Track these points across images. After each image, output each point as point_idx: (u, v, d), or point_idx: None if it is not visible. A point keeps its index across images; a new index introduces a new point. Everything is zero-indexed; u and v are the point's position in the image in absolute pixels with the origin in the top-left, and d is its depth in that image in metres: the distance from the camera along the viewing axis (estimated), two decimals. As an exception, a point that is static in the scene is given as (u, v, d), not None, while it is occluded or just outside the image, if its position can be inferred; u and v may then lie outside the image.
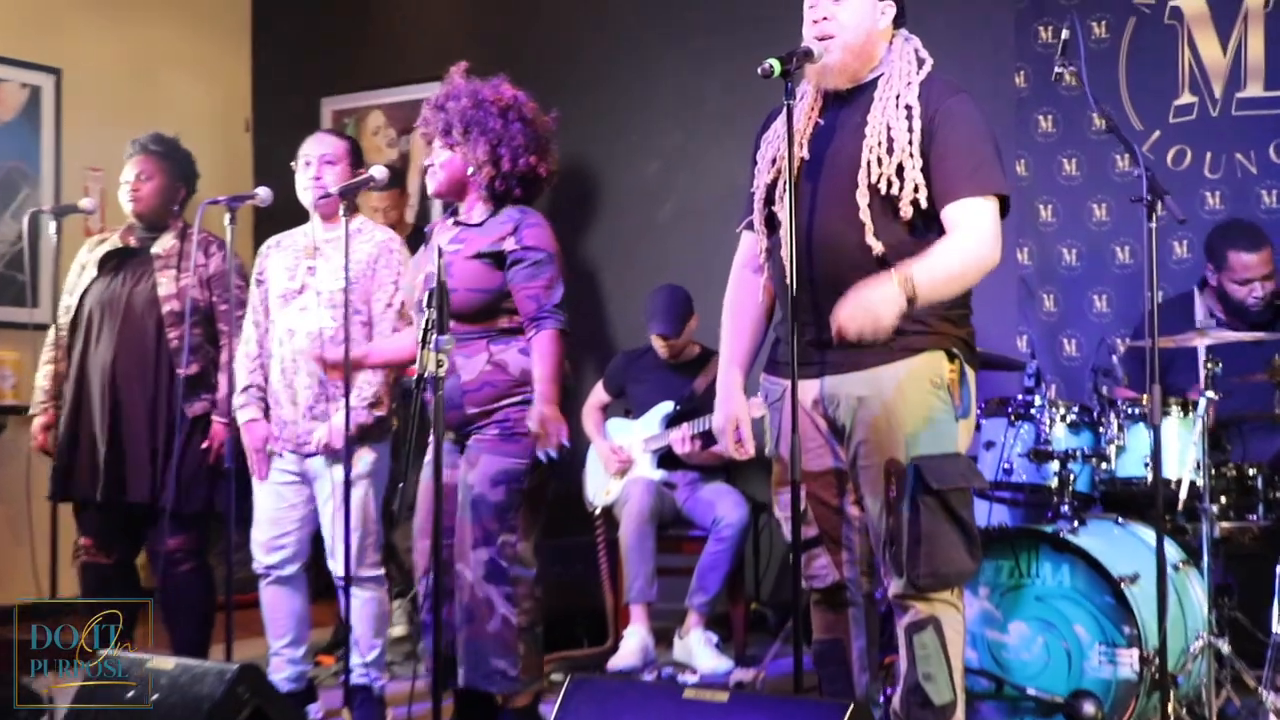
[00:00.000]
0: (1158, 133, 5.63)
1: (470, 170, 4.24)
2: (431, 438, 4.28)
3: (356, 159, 4.87)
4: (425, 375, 3.57)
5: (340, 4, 7.86)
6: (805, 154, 3.43)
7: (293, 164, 4.79)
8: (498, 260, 4.18)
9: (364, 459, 4.63)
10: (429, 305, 3.59)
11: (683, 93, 6.76)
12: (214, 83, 7.88)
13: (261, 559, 4.77)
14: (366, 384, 4.59)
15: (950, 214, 3.32)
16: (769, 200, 3.53)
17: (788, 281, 3.27)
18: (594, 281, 6.80)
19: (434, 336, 3.54)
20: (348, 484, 4.26)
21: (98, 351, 5.12)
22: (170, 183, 5.21)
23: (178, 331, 5.03)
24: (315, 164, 4.75)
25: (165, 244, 5.14)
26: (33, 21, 7.05)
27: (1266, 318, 5.12)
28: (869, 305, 3.13)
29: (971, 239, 3.28)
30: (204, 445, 5.00)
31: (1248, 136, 5.56)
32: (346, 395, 4.27)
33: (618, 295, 6.73)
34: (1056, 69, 3.91)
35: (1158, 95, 5.70)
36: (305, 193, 4.76)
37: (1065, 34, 3.91)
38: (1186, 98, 5.67)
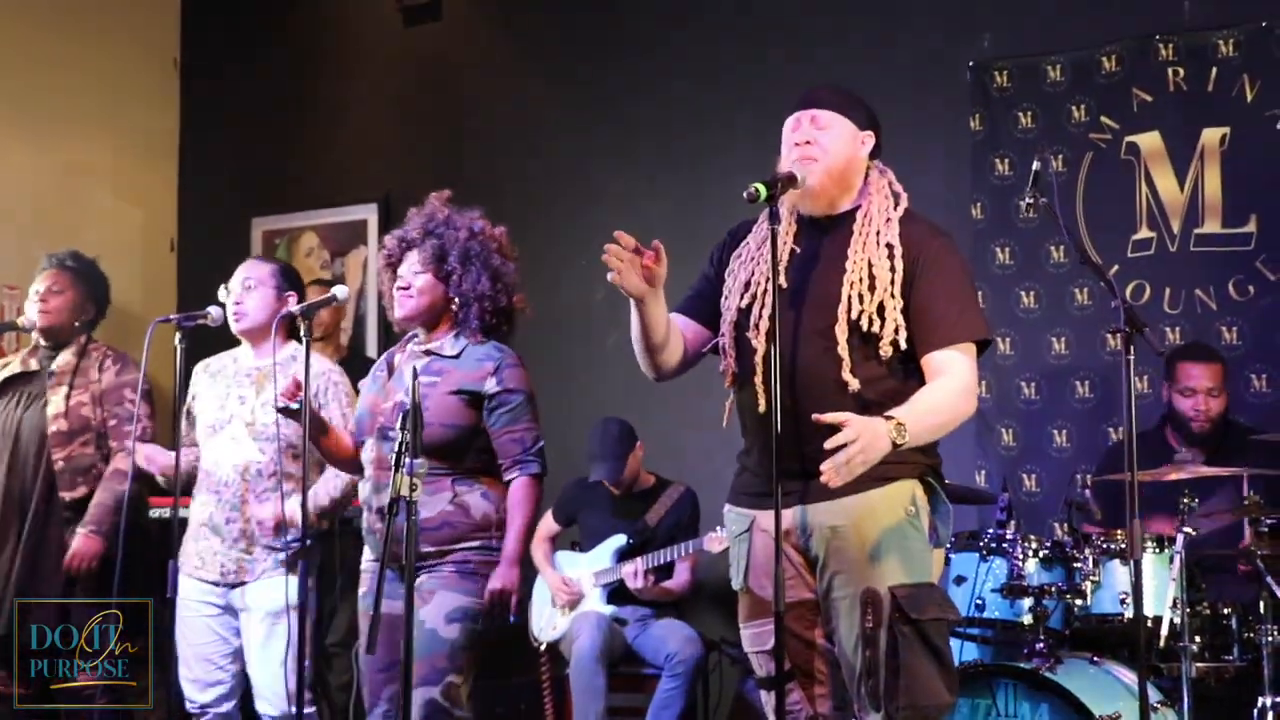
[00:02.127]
0: (1116, 267, 5.61)
1: (458, 300, 4.12)
2: (368, 562, 4.20)
3: (288, 281, 4.69)
4: (396, 498, 3.43)
5: (272, 122, 7.73)
6: (783, 282, 3.36)
7: (221, 292, 4.62)
8: (474, 399, 4.07)
9: (294, 588, 4.36)
10: (403, 428, 3.48)
11: (628, 219, 6.66)
12: (138, 201, 7.71)
13: (196, 697, 4.52)
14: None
15: (934, 361, 3.32)
16: (740, 324, 3.46)
17: (760, 410, 3.30)
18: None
19: (407, 460, 3.42)
20: (303, 594, 4.07)
21: None
22: (80, 300, 5.12)
23: (64, 452, 4.92)
24: (237, 290, 4.59)
25: (62, 361, 5.04)
26: (-48, 135, 6.89)
27: (1210, 439, 5.11)
28: (866, 452, 3.05)
29: (957, 392, 3.29)
30: (65, 563, 4.80)
31: (1207, 272, 5.58)
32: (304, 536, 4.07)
33: (562, 424, 6.50)
34: (1027, 200, 3.89)
35: (1115, 229, 5.72)
36: (233, 322, 4.59)
37: (1036, 165, 3.93)
38: (1145, 233, 5.68)
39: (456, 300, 4.13)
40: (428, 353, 4.16)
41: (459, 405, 4.05)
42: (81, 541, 4.79)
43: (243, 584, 4.43)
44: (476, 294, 4.11)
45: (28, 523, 4.92)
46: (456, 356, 4.12)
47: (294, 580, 4.35)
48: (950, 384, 3.28)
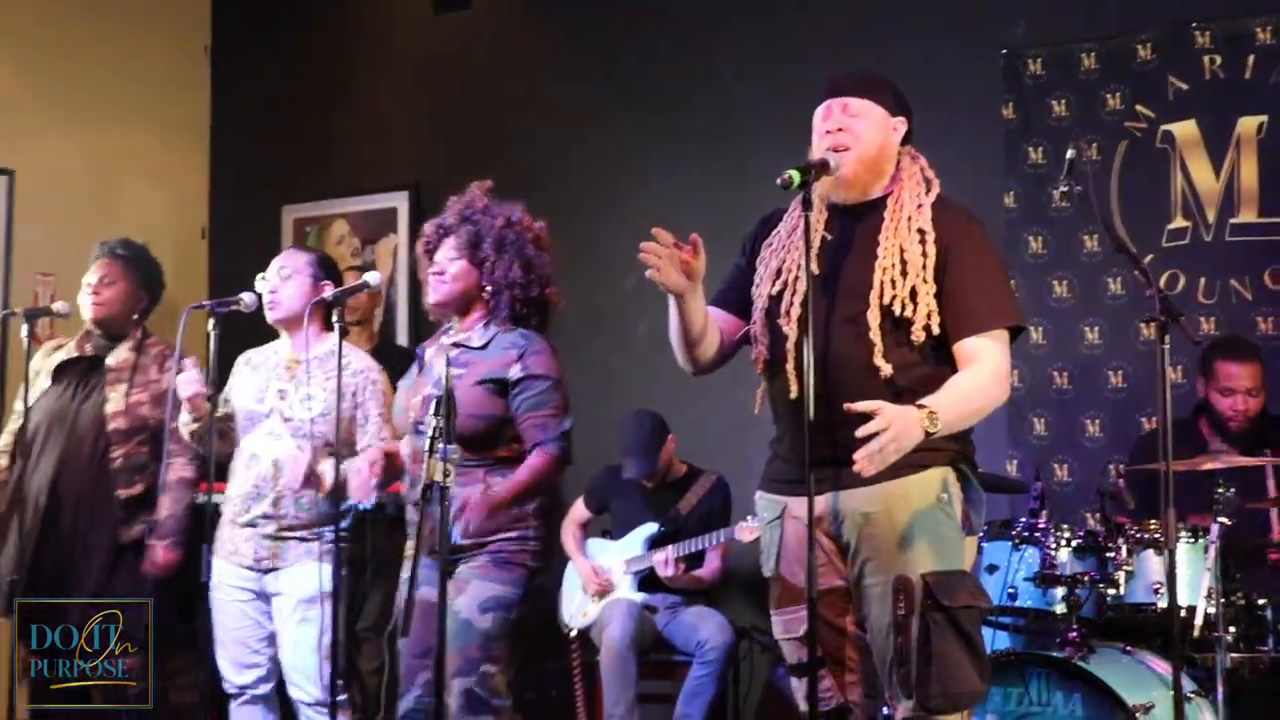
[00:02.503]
0: (1150, 256, 5.56)
1: (489, 288, 4.11)
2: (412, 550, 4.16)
3: (324, 271, 4.67)
4: (431, 484, 3.42)
5: (303, 111, 7.75)
6: (815, 269, 3.34)
7: (258, 281, 4.61)
8: (500, 387, 4.05)
9: (327, 575, 4.37)
10: (435, 413, 3.47)
11: (659, 207, 6.67)
12: (170, 189, 7.71)
13: (234, 679, 4.54)
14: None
15: (966, 348, 3.31)
16: (771, 311, 3.45)
17: (792, 397, 3.29)
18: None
19: (440, 445, 3.41)
20: (337, 582, 4.05)
21: (40, 467, 4.95)
22: (133, 290, 5.07)
23: (122, 450, 4.90)
24: (274, 278, 4.59)
25: (120, 356, 5.00)
26: (-15, 122, 6.90)
27: (1246, 437, 5.07)
28: (899, 440, 3.05)
29: (989, 379, 3.28)
30: (141, 572, 4.82)
31: (1242, 262, 5.53)
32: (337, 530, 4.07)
33: (591, 412, 6.48)
34: (1061, 188, 3.86)
35: (1150, 219, 5.67)
36: (267, 311, 4.58)
37: (1070, 153, 3.91)
38: (1179, 222, 5.64)
39: (489, 288, 4.12)
40: (456, 345, 4.15)
41: (485, 395, 4.04)
42: (163, 553, 4.79)
43: (275, 570, 4.44)
44: (508, 282, 4.10)
45: (87, 518, 4.91)
46: (484, 347, 4.11)
47: (327, 568, 4.36)
48: (982, 371, 3.26)
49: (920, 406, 3.11)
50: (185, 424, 4.53)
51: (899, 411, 3.06)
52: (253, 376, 4.62)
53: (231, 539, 4.50)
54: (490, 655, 3.95)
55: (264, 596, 4.49)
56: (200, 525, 4.44)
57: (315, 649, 4.36)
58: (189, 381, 4.44)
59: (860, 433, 3.03)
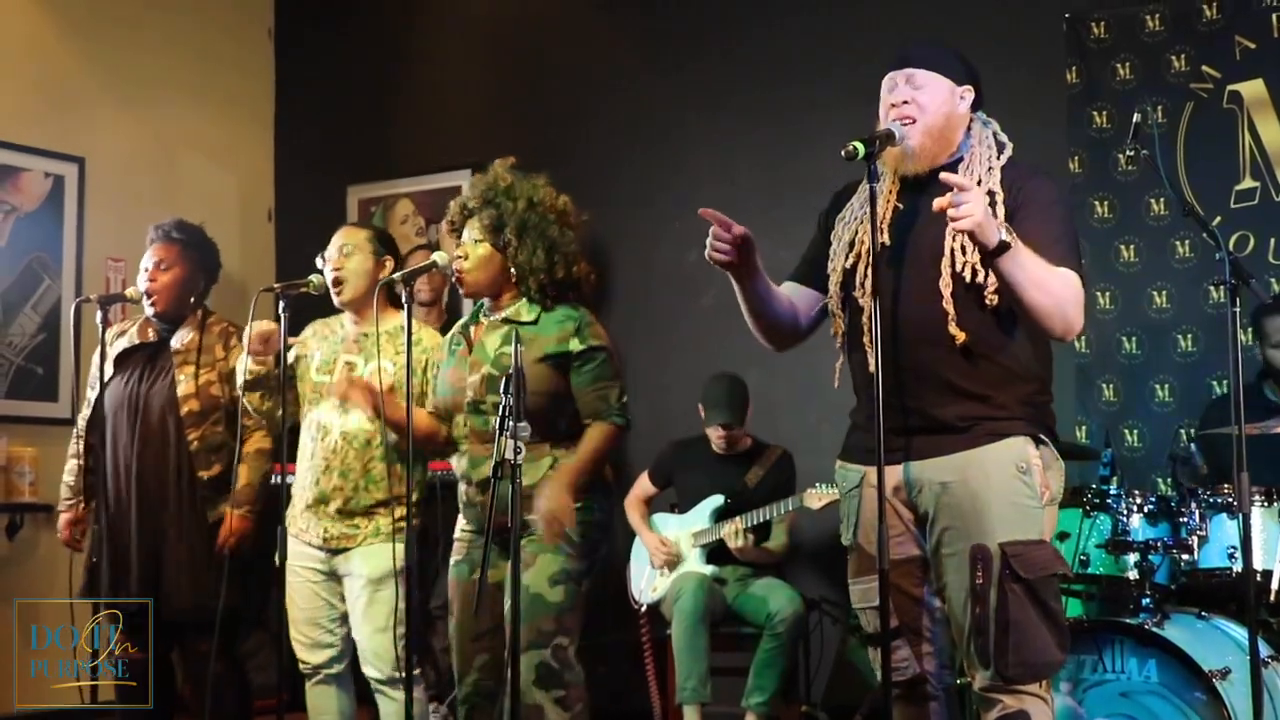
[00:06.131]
0: (1219, 218, 5.50)
1: (514, 272, 4.13)
2: (462, 530, 4.24)
3: (384, 246, 4.67)
4: (501, 462, 3.48)
5: (366, 91, 7.79)
6: (886, 239, 3.36)
7: (319, 261, 4.60)
8: (561, 362, 4.08)
9: (399, 553, 4.36)
10: (505, 392, 3.50)
11: (721, 179, 6.68)
12: (237, 171, 7.79)
13: (307, 658, 4.56)
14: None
15: None
16: (846, 284, 3.46)
17: (871, 370, 3.25)
18: (632, 371, 6.63)
19: (511, 423, 3.45)
20: (410, 571, 4.08)
21: (119, 453, 4.98)
22: (190, 273, 5.08)
23: (198, 432, 4.93)
24: (335, 256, 4.59)
25: (183, 338, 5.02)
26: (56, 110, 6.96)
27: None
28: (976, 207, 3.04)
29: (1066, 283, 3.20)
30: (219, 542, 4.85)
31: (1313, 221, 5.46)
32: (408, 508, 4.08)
33: (657, 385, 6.59)
34: (1128, 152, 3.84)
35: (1218, 180, 5.61)
36: (334, 294, 4.57)
37: (1136, 117, 3.91)
38: (1248, 183, 5.58)
39: (514, 272, 4.14)
40: (506, 321, 4.17)
41: (547, 371, 4.06)
42: (239, 522, 4.82)
43: (346, 550, 4.45)
44: (531, 268, 4.11)
45: (173, 502, 4.95)
46: (535, 322, 4.13)
47: (398, 545, 4.34)
48: (1062, 275, 3.20)
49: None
50: (246, 368, 4.47)
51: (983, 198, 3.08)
52: (321, 347, 4.63)
53: (303, 518, 4.52)
54: (563, 627, 3.99)
55: (335, 577, 4.51)
56: (277, 504, 4.46)
57: (387, 627, 4.36)
58: (262, 323, 4.40)
59: (944, 177, 3.07)
